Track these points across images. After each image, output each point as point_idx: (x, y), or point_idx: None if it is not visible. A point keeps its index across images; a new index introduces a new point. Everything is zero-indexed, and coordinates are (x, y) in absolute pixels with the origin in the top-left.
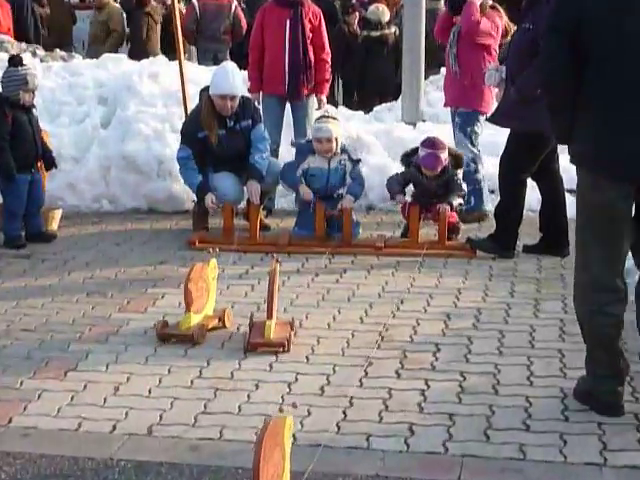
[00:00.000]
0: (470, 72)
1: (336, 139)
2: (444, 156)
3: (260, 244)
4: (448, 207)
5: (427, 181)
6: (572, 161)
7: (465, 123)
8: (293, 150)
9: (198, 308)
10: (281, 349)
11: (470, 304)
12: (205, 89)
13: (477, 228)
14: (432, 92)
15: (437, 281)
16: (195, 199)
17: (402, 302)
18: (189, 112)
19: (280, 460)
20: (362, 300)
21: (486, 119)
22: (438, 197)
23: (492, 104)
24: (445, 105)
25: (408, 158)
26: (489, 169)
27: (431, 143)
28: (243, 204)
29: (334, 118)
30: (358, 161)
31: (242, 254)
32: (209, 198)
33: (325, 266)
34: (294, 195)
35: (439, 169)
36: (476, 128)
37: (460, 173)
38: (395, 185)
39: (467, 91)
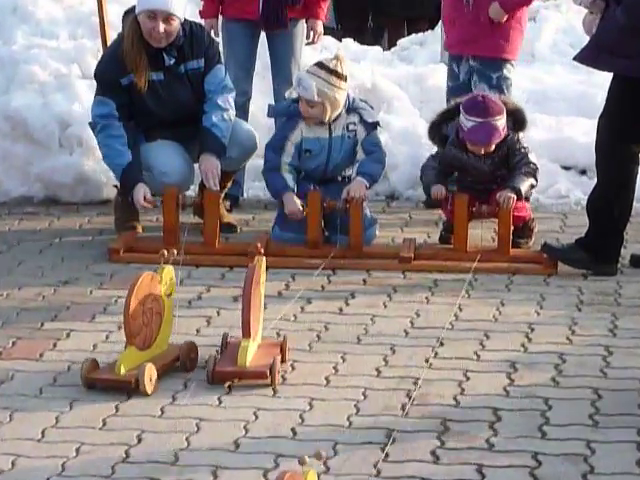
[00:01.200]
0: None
1: (323, 104)
2: (502, 123)
3: (220, 253)
4: (513, 194)
5: (475, 161)
6: None
7: (488, 68)
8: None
9: (145, 341)
10: (267, 382)
11: (548, 347)
12: (131, 10)
13: (559, 228)
14: None
15: (496, 311)
16: (118, 184)
17: (442, 344)
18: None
19: None
20: (379, 341)
21: (573, 58)
22: (496, 180)
23: (520, 47)
24: (448, 48)
25: (439, 129)
26: (578, 137)
27: (481, 107)
28: (194, 191)
29: (331, 72)
30: (375, 125)
31: (193, 268)
32: (140, 192)
33: (322, 287)
34: None
35: (495, 144)
36: (506, 72)
37: (523, 138)
38: (432, 174)
39: (484, 30)
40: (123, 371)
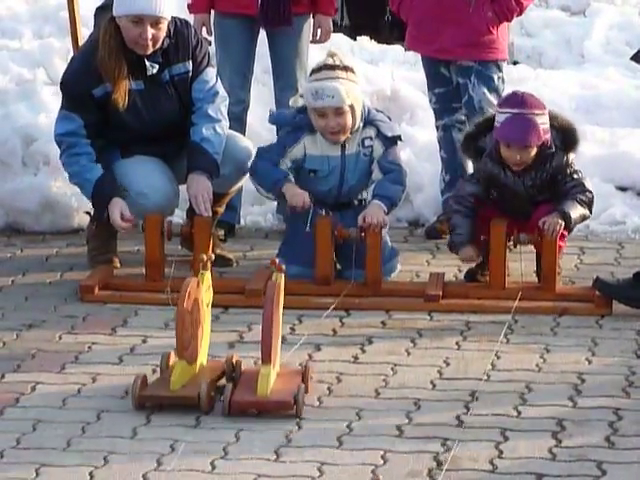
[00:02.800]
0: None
1: (352, 108)
2: (543, 122)
3: (213, 291)
4: (560, 220)
5: (514, 182)
6: None
7: (489, 69)
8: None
9: (193, 354)
10: (292, 412)
11: (601, 401)
12: (105, 7)
13: (614, 260)
14: (534, 8)
15: (540, 359)
16: (91, 210)
17: (476, 398)
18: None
19: None
20: (402, 395)
21: (631, 58)
22: (535, 205)
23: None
24: (437, 52)
25: (475, 141)
26: (635, 153)
27: (518, 98)
28: (181, 218)
29: (345, 68)
30: (395, 140)
31: None
32: (117, 209)
33: (334, 331)
34: (276, 203)
35: (534, 145)
36: (504, 74)
37: (574, 159)
38: (464, 232)
39: (489, 32)
40: (176, 387)
